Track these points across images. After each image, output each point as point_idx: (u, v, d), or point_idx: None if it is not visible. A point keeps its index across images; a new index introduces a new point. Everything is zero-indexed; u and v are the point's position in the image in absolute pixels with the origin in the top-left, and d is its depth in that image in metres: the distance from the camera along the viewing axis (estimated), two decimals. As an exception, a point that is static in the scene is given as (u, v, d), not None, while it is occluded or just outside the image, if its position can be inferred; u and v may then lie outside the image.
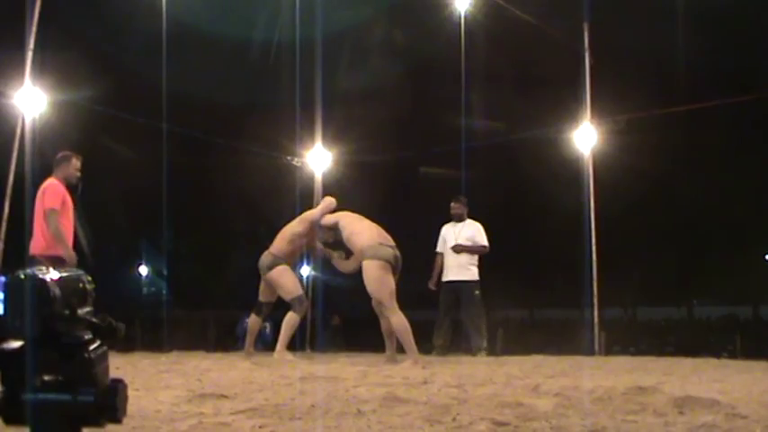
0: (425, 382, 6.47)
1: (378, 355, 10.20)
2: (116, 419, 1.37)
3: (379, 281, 9.25)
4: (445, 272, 11.83)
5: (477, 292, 11.73)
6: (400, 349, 9.51)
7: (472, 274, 11.77)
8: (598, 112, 13.06)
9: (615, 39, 17.52)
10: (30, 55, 9.76)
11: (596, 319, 12.87)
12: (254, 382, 6.49)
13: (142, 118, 14.17)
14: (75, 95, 12.86)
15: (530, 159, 20.86)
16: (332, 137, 14.78)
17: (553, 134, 14.73)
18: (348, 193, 15.47)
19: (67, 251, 8.98)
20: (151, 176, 17.67)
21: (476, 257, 11.85)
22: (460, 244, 11.72)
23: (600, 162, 13.08)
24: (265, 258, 10.28)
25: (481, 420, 4.33)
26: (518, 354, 11.64)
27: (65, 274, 1.45)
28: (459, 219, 11.97)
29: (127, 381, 1.42)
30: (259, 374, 7.23)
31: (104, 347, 1.44)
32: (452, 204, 12.06)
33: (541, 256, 27.16)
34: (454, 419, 4.44)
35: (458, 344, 11.95)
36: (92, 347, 1.40)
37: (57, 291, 1.39)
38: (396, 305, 9.27)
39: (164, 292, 38.60)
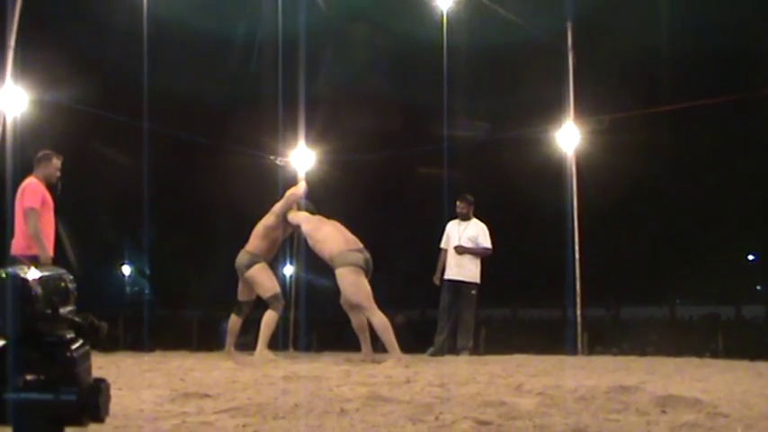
0: (408, 381, 6.48)
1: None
2: (99, 419, 1.36)
3: (354, 286, 9.36)
4: (447, 269, 11.84)
5: (473, 292, 11.73)
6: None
7: (472, 274, 11.76)
8: (581, 111, 13.08)
9: (599, 38, 17.55)
10: (11, 53, 9.70)
11: (579, 319, 12.90)
12: (237, 381, 6.49)
13: (124, 117, 14.11)
14: (57, 94, 12.80)
15: (513, 159, 20.88)
16: (315, 136, 14.76)
17: (536, 134, 14.74)
18: (331, 192, 15.49)
19: (43, 251, 8.96)
20: (134, 176, 17.60)
21: (478, 258, 11.85)
22: (462, 245, 11.72)
23: (583, 162, 13.10)
24: (242, 257, 10.30)
25: (464, 419, 4.34)
26: (501, 353, 11.66)
27: (46, 274, 1.44)
28: (465, 218, 11.95)
29: (110, 380, 1.42)
30: (242, 374, 7.22)
31: (87, 347, 1.43)
32: (458, 203, 12.05)
33: (524, 255, 27.16)
34: (437, 418, 4.45)
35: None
36: (74, 347, 1.39)
37: (38, 290, 1.38)
38: (374, 306, 9.34)
39: (146, 291, 38.49)
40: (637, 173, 25.12)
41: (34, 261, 8.65)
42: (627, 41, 21.30)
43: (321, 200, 11.18)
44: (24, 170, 9.45)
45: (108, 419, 1.39)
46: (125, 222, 31.32)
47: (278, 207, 10.41)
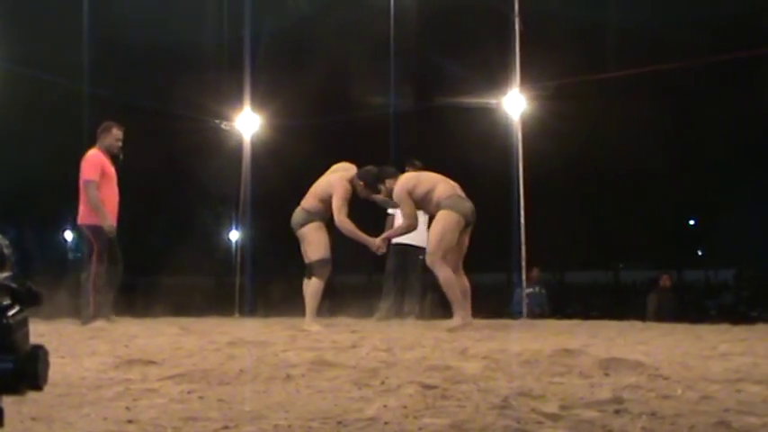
0: (354, 346, 6.49)
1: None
2: (37, 387, 1.33)
3: (444, 231, 8.98)
4: None
5: (421, 257, 11.65)
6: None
7: (421, 239, 11.67)
8: (527, 78, 13.12)
9: (545, 4, 17.58)
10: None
11: (524, 283, 13.03)
12: (181, 347, 6.44)
13: (64, 79, 13.88)
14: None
15: (459, 125, 20.91)
16: (261, 100, 14.66)
17: (482, 101, 14.76)
18: (277, 156, 15.41)
19: (105, 221, 9.47)
20: (75, 140, 17.33)
21: (426, 222, 11.78)
22: None
23: (528, 128, 13.16)
24: (298, 214, 9.42)
25: (409, 384, 4.35)
26: (446, 317, 11.72)
27: (-19, 240, 1.40)
28: None
29: (52, 348, 1.39)
30: (187, 340, 7.18)
31: (24, 313, 1.40)
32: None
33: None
34: (383, 383, 4.45)
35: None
36: (10, 313, 1.36)
37: (-26, 256, 1.34)
38: (443, 262, 8.99)
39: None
40: (582, 139, 25.33)
41: (97, 230, 9.44)
42: (573, 7, 21.38)
43: (266, 164, 11.09)
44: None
45: (50, 388, 1.36)
46: (66, 188, 30.95)
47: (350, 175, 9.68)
